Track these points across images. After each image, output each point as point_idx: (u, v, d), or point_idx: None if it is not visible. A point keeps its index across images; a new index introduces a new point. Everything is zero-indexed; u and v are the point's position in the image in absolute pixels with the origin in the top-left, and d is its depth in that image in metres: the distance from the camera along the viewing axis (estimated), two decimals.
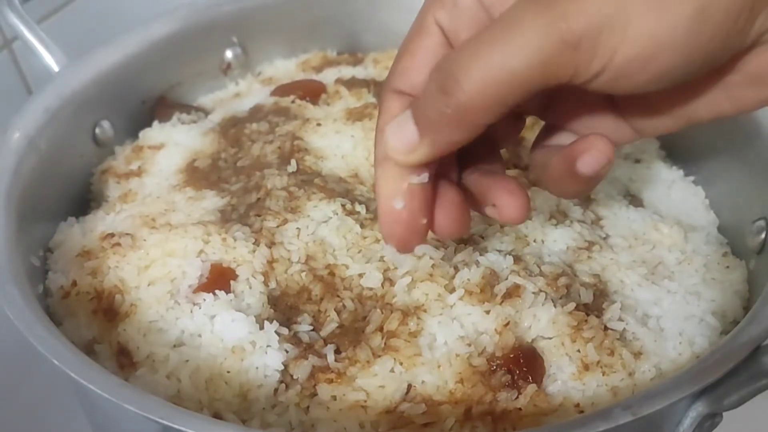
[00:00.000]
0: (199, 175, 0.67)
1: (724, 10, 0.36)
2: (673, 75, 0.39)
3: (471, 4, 0.44)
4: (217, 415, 0.49)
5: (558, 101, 0.48)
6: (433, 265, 0.54)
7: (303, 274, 0.56)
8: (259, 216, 0.60)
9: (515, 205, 0.47)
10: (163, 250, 0.57)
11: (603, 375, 0.50)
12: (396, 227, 0.48)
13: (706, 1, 0.36)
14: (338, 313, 0.54)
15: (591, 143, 0.43)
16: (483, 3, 0.44)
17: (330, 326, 0.53)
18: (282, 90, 0.78)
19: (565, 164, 0.44)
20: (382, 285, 0.55)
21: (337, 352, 0.51)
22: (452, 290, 0.53)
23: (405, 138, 0.42)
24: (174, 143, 0.71)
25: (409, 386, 0.50)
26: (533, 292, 0.53)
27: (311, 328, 0.53)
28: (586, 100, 0.46)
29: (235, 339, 0.52)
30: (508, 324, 0.51)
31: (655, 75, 0.38)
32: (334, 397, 0.49)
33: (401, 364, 0.50)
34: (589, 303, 0.54)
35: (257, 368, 0.51)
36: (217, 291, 0.54)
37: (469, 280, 0.54)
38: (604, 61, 0.37)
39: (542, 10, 0.37)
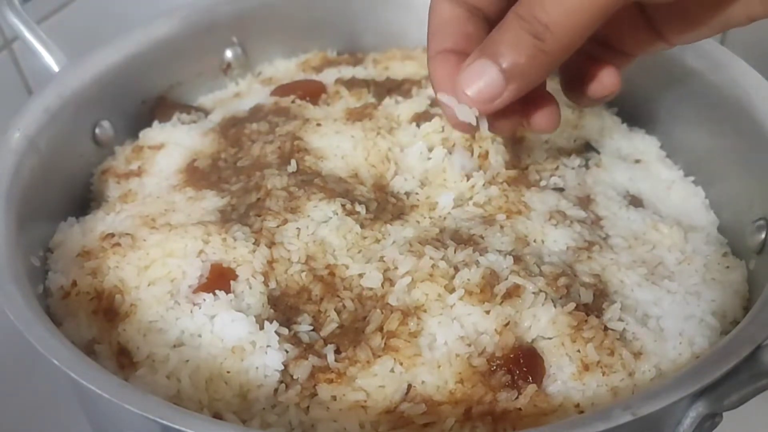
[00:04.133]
0: (199, 175, 0.67)
1: None
2: None
3: None
4: (217, 415, 0.49)
5: None
6: (433, 265, 0.54)
7: (303, 274, 0.56)
8: (259, 216, 0.60)
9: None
10: (163, 250, 0.57)
11: (603, 375, 0.50)
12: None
13: None
14: (338, 313, 0.54)
15: (598, 73, 0.49)
16: None
17: (330, 326, 0.53)
18: (282, 90, 0.78)
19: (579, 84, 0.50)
20: (382, 285, 0.55)
21: (337, 352, 0.52)
22: (452, 290, 0.53)
23: (490, 87, 0.42)
24: (174, 143, 0.71)
25: (409, 386, 0.50)
26: (533, 292, 0.53)
27: (311, 328, 0.54)
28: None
29: (235, 339, 0.52)
30: (508, 324, 0.51)
31: None
32: (334, 397, 0.49)
33: (401, 364, 0.50)
34: (589, 303, 0.54)
35: (257, 368, 0.51)
36: (217, 291, 0.54)
37: (469, 280, 0.54)
38: None
39: None
